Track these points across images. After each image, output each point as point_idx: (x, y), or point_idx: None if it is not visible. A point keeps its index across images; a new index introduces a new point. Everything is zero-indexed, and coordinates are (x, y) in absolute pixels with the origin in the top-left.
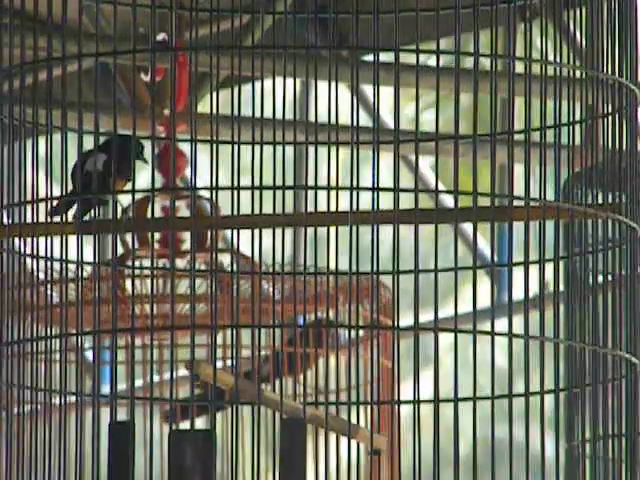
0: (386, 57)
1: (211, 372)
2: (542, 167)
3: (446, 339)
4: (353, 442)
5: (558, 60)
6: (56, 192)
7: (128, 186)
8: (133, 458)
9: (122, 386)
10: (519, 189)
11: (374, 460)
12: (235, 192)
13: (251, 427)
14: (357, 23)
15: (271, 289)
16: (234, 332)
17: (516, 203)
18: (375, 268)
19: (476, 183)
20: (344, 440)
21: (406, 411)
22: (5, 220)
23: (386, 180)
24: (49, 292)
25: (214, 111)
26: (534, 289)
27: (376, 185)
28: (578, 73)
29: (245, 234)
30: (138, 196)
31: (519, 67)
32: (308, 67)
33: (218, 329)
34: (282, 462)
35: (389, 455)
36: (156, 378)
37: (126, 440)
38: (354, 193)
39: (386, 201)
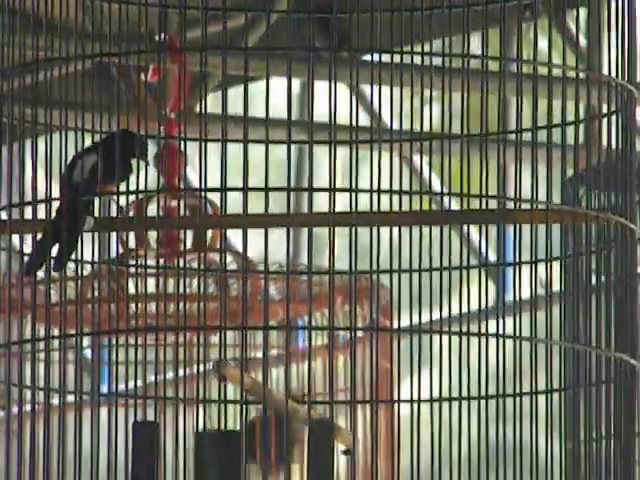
0: (385, 57)
1: (236, 373)
2: (547, 169)
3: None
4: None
5: (558, 61)
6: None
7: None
8: (158, 458)
9: (121, 386)
10: (512, 190)
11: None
12: (230, 192)
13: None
14: (355, 23)
15: (270, 289)
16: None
17: (510, 205)
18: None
19: (479, 185)
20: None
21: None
22: (4, 219)
23: (384, 182)
24: (51, 291)
25: (212, 111)
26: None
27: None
28: (578, 74)
29: (244, 234)
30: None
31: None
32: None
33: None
34: (310, 462)
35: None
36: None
37: (150, 440)
38: (351, 194)
39: (385, 202)
